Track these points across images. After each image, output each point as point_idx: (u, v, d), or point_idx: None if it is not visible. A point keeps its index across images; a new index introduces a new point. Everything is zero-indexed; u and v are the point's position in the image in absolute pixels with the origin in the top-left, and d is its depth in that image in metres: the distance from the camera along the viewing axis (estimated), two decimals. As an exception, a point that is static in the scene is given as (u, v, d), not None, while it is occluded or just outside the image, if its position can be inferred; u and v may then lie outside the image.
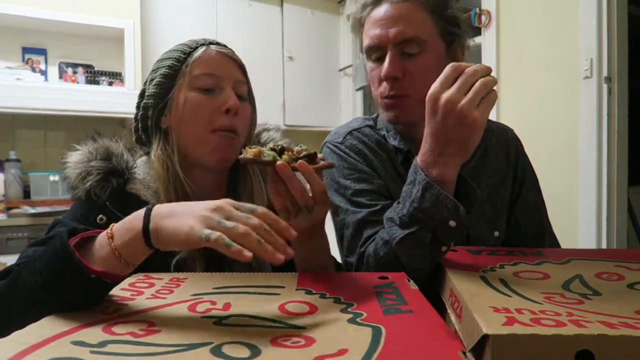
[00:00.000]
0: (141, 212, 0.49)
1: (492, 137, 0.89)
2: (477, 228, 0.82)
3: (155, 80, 0.74)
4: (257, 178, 0.77)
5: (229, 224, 0.44)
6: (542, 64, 1.91)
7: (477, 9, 2.18)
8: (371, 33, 0.77)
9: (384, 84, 0.78)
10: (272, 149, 0.56)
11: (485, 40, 2.17)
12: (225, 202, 0.47)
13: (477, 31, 2.19)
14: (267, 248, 0.44)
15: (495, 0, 2.09)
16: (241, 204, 0.48)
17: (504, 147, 0.90)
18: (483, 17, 2.13)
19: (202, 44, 0.74)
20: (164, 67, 0.74)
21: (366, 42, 0.79)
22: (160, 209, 0.48)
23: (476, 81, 0.56)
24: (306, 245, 0.63)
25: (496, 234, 0.84)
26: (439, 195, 0.59)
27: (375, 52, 0.79)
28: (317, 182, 0.55)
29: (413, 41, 0.75)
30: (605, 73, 1.70)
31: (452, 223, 0.59)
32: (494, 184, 0.86)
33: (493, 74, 0.59)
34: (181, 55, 0.73)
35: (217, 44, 0.76)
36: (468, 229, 0.81)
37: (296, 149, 0.58)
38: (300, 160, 0.53)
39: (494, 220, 0.85)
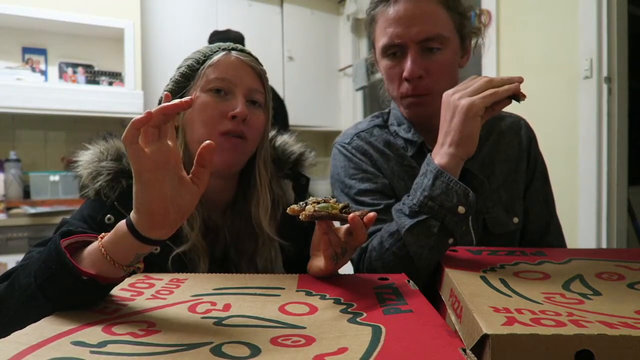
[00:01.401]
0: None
1: (503, 123, 0.90)
2: (495, 213, 0.83)
3: (174, 77, 0.76)
4: (263, 187, 0.76)
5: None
6: (542, 64, 1.91)
7: (477, 9, 2.18)
8: (390, 31, 0.76)
9: (405, 83, 0.78)
10: (316, 202, 0.57)
11: (485, 41, 2.17)
12: None
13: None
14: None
15: (495, 0, 2.09)
16: None
17: (516, 134, 0.90)
18: (483, 17, 2.13)
19: (224, 49, 0.75)
20: (184, 66, 0.75)
21: (383, 40, 0.77)
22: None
23: (477, 82, 0.62)
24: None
25: (515, 220, 0.84)
26: (450, 182, 0.62)
27: (394, 50, 0.77)
28: (364, 233, 0.56)
29: (435, 39, 0.75)
30: (605, 73, 1.69)
31: (462, 209, 0.62)
32: (509, 170, 0.86)
33: (492, 74, 0.61)
34: (201, 57, 0.74)
35: (242, 50, 0.76)
36: (484, 215, 0.82)
37: (330, 200, 0.59)
38: (353, 214, 0.55)
39: (512, 206, 0.85)
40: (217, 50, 0.74)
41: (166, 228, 0.47)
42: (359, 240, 0.56)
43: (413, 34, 0.74)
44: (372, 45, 0.86)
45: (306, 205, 0.56)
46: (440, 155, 0.65)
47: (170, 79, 0.77)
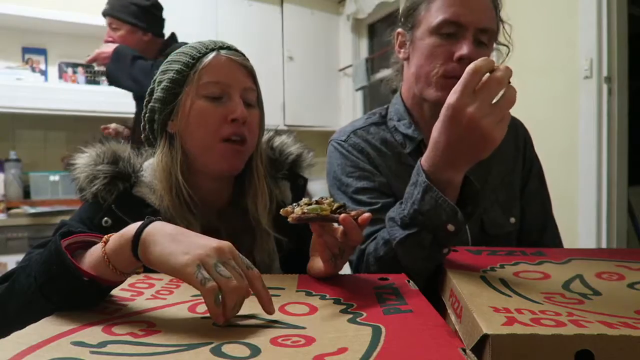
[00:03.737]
0: (139, 222, 0.48)
1: None
2: (492, 214, 0.82)
3: (163, 84, 0.73)
4: (261, 184, 0.76)
5: (225, 272, 0.43)
6: (542, 64, 1.91)
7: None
8: (455, 10, 0.75)
9: (453, 63, 0.76)
10: (309, 203, 0.56)
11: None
12: (227, 246, 0.46)
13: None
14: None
15: (495, 0, 2.09)
16: (241, 256, 0.47)
17: (512, 134, 0.90)
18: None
19: (212, 49, 0.72)
20: (172, 70, 0.72)
21: (443, 15, 0.76)
22: (160, 227, 0.47)
23: (498, 91, 0.54)
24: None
25: (512, 220, 0.83)
26: (438, 199, 0.59)
27: (452, 29, 0.76)
28: (358, 233, 0.55)
29: (489, 33, 0.76)
30: (605, 73, 1.69)
31: (451, 227, 0.59)
32: (505, 170, 0.86)
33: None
34: (190, 60, 0.71)
35: (228, 48, 0.74)
36: (482, 215, 0.81)
37: (325, 201, 0.58)
38: (344, 215, 0.54)
39: (509, 206, 0.84)
40: (207, 52, 0.72)
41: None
42: (354, 241, 0.55)
43: (477, 19, 0.75)
44: (410, 26, 0.83)
45: (298, 207, 0.56)
46: (453, 170, 0.59)
47: (156, 81, 0.75)
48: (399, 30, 0.86)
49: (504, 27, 0.84)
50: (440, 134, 0.58)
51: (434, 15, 0.77)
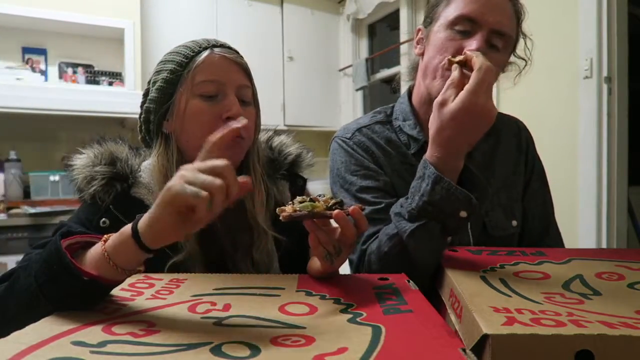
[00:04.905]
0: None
1: (502, 126, 0.90)
2: (494, 216, 0.82)
3: (157, 84, 0.72)
4: (258, 182, 0.76)
5: (205, 177, 0.44)
6: (542, 64, 1.90)
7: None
8: (473, 7, 0.75)
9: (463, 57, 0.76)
10: (302, 201, 0.56)
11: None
12: (189, 165, 0.46)
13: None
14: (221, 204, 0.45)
15: (495, 0, 2.09)
16: (201, 163, 0.47)
17: (515, 136, 0.90)
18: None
19: (206, 47, 0.72)
20: (166, 70, 0.72)
21: (461, 11, 0.76)
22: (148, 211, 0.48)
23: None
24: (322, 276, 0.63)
25: (514, 223, 0.84)
26: (450, 188, 0.60)
27: (467, 26, 0.76)
28: (351, 229, 0.55)
29: (504, 38, 0.76)
30: (605, 73, 1.69)
31: (463, 213, 0.61)
32: (508, 172, 0.86)
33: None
34: (183, 59, 0.71)
35: (221, 45, 0.74)
36: (484, 217, 0.81)
37: (322, 198, 0.58)
38: (337, 211, 0.54)
39: (511, 208, 0.84)
40: (200, 50, 0.71)
41: (170, 241, 0.47)
42: (348, 236, 0.55)
43: (493, 20, 0.75)
44: (429, 22, 0.83)
45: (292, 205, 0.56)
46: (458, 159, 0.63)
47: (151, 82, 0.74)
48: (419, 27, 0.86)
49: (525, 41, 0.84)
50: (458, 131, 0.60)
51: (452, 10, 0.78)
